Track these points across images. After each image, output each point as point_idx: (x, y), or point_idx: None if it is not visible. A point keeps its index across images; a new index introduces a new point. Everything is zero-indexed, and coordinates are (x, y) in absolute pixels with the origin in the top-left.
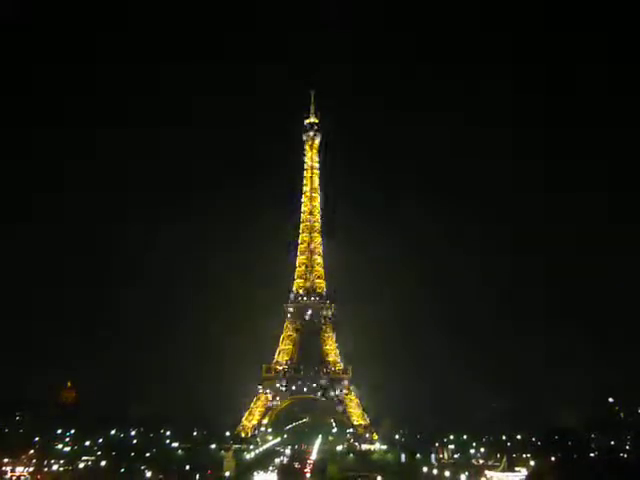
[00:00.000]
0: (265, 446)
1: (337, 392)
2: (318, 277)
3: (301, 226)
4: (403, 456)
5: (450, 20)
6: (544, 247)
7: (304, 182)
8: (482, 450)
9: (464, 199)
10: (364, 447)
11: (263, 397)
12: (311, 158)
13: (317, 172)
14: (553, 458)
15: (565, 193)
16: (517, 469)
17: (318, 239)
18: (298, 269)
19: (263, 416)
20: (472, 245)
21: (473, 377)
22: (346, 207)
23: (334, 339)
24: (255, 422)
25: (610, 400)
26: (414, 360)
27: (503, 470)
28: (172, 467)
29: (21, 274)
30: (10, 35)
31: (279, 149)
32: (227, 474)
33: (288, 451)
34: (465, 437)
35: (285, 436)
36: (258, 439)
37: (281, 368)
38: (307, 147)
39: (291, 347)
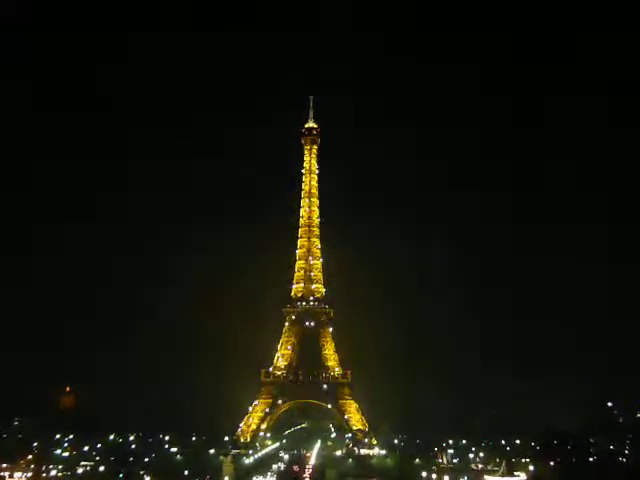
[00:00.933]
0: (264, 451)
1: (336, 397)
2: (317, 282)
3: (300, 231)
4: (402, 461)
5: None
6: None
7: (303, 186)
8: (481, 455)
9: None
10: (363, 452)
11: (262, 402)
12: (309, 162)
13: (316, 176)
14: (552, 462)
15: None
16: (516, 474)
17: (317, 243)
18: (297, 274)
19: (262, 421)
20: (472, 246)
21: (472, 382)
22: (345, 211)
23: (333, 344)
24: (254, 427)
25: (609, 404)
26: (413, 365)
27: (502, 475)
28: (171, 472)
29: (20, 274)
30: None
31: (280, 153)
32: (226, 479)
33: (287, 456)
34: (464, 442)
35: (284, 441)
36: (257, 444)
37: (280, 373)
38: (306, 151)
39: (290, 352)
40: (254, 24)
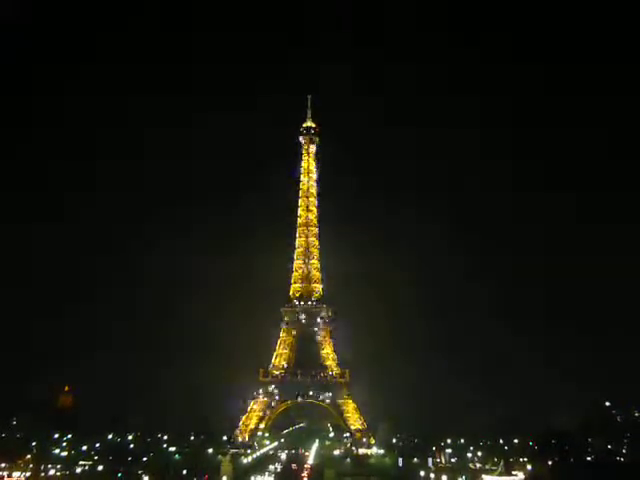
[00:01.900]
0: (262, 450)
1: (334, 396)
2: (315, 281)
3: (298, 230)
4: (400, 460)
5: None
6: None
7: (301, 185)
8: (479, 454)
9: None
10: (361, 451)
11: (260, 401)
12: (308, 162)
13: (314, 176)
14: (550, 462)
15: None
16: (514, 473)
17: (315, 243)
18: (295, 273)
19: (260, 420)
20: (471, 246)
21: (471, 381)
22: (344, 210)
23: (331, 343)
24: (252, 426)
25: (607, 404)
26: (412, 364)
27: (500, 474)
28: (169, 471)
29: (19, 274)
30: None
31: (279, 151)
32: (224, 478)
33: (284, 456)
34: (462, 441)
35: (282, 440)
36: (255, 443)
37: (278, 372)
38: (304, 151)
39: (288, 351)
40: (253, 24)
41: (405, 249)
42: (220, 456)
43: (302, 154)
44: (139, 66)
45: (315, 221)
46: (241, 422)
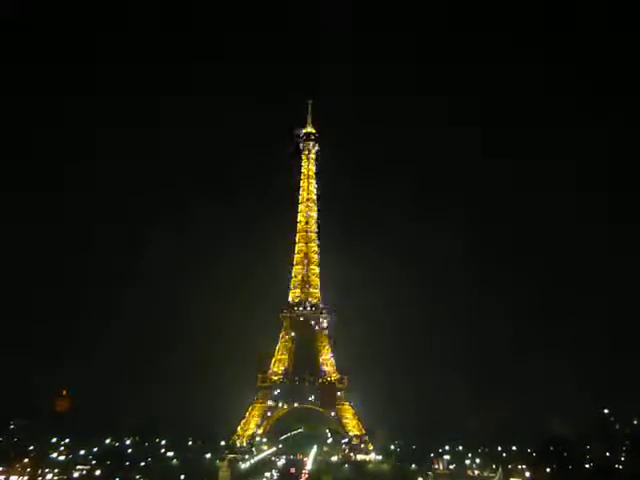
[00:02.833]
0: (260, 456)
1: (332, 402)
2: (314, 287)
3: (297, 236)
4: (399, 467)
5: (450, 19)
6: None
7: (301, 191)
8: (477, 461)
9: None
10: (359, 457)
11: (258, 407)
12: (308, 167)
13: (314, 181)
14: (548, 469)
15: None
16: None
17: (314, 249)
18: (294, 279)
19: (258, 426)
20: (468, 256)
21: (469, 388)
22: (344, 217)
23: (330, 349)
24: (250, 432)
25: (605, 411)
26: (411, 370)
27: None
28: (167, 477)
29: (18, 274)
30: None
31: (278, 157)
32: None
33: (280, 462)
34: (460, 448)
35: (280, 446)
36: (253, 449)
37: (277, 378)
38: (304, 156)
39: (287, 357)
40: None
41: (406, 254)
42: (218, 461)
43: (302, 159)
44: (139, 66)
45: (315, 226)
46: (239, 427)
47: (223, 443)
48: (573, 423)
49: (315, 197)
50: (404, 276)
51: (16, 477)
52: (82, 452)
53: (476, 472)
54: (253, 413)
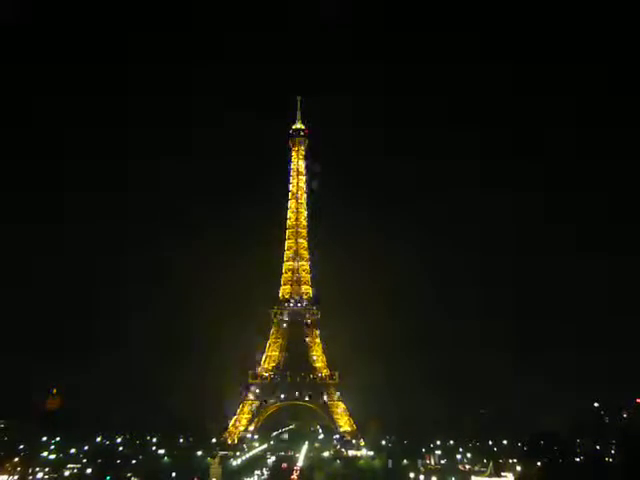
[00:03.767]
0: (251, 452)
1: (324, 398)
2: (304, 283)
3: (287, 232)
4: (390, 462)
5: (449, 19)
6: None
7: (290, 187)
8: (469, 455)
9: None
10: (351, 453)
11: (249, 403)
12: (297, 163)
13: (303, 178)
14: (539, 463)
15: None
16: (504, 474)
17: (304, 245)
18: (284, 275)
19: (249, 422)
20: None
21: (460, 383)
22: (334, 213)
23: (321, 345)
24: (241, 428)
25: (595, 405)
26: (402, 366)
27: (490, 475)
28: (158, 474)
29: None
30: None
31: (269, 154)
32: None
33: (270, 461)
34: (452, 443)
35: (271, 442)
36: (244, 445)
37: (267, 374)
38: (293, 152)
39: (277, 353)
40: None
41: (399, 251)
42: (209, 458)
43: (292, 155)
44: (139, 66)
45: (304, 223)
46: (230, 424)
47: (214, 440)
48: (563, 417)
49: (304, 193)
50: (398, 271)
51: (6, 476)
52: (73, 451)
53: (467, 466)
54: (244, 410)
